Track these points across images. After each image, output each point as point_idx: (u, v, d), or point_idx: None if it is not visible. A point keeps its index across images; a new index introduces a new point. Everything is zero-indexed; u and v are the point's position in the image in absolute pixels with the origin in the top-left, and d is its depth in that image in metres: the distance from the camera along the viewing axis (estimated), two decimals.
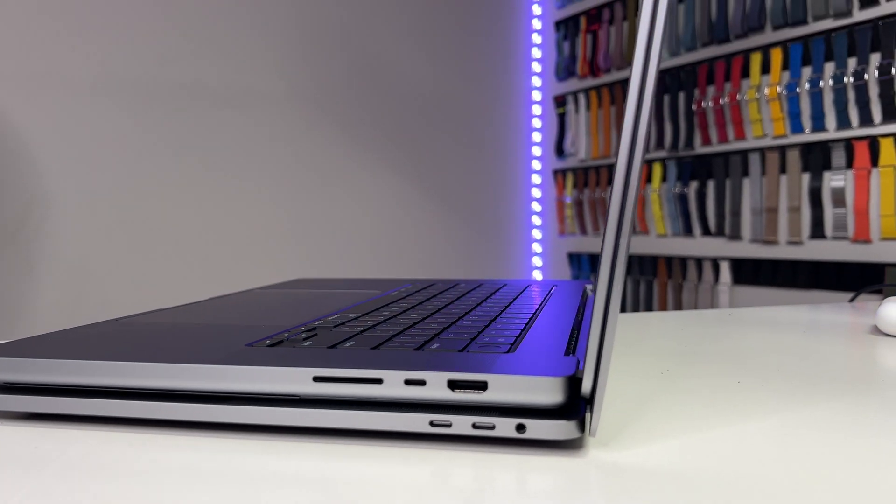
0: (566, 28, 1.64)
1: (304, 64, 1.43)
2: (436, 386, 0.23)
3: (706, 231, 1.34)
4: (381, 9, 1.52)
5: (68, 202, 1.21)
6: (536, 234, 1.75)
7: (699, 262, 1.35)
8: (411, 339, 0.29)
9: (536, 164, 1.74)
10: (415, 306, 0.40)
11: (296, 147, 1.43)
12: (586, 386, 0.23)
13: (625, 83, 1.50)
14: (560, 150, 1.67)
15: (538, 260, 1.76)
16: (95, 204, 1.24)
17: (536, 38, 1.73)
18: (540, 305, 0.42)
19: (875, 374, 0.34)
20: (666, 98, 1.40)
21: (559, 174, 1.68)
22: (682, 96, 1.37)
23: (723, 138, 1.29)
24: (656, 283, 1.44)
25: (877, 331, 0.45)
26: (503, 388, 0.23)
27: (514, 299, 0.44)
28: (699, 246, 1.35)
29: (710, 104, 1.31)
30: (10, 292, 1.18)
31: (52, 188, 1.20)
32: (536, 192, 1.75)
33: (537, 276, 1.77)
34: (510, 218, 1.73)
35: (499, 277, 1.76)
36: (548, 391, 0.23)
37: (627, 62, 1.49)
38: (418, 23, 1.57)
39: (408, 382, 0.23)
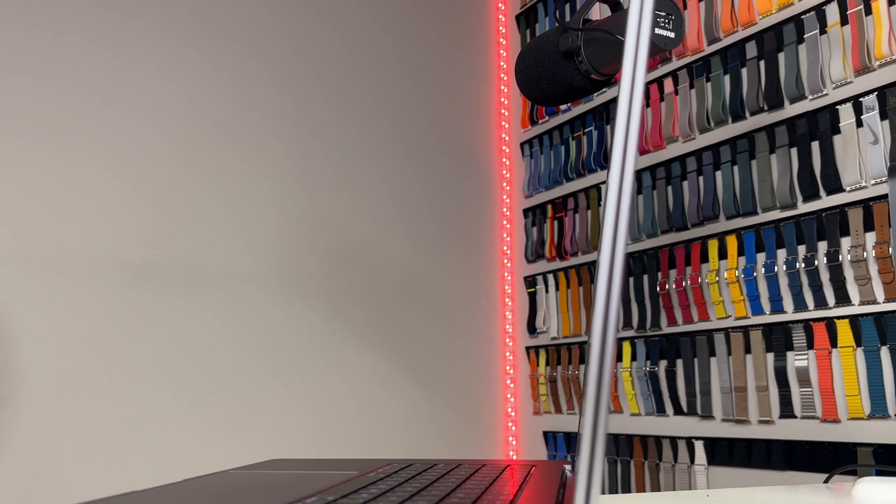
0: (534, 215, 1.74)
1: (285, 247, 1.48)
2: None
3: (678, 410, 1.34)
4: (361, 195, 1.60)
5: (38, 381, 1.19)
6: (511, 412, 1.74)
7: (674, 441, 1.34)
8: None
9: (509, 342, 1.77)
10: (394, 488, 0.40)
11: (275, 327, 1.45)
12: None
13: (591, 266, 1.57)
14: (532, 328, 1.70)
15: (514, 439, 1.73)
16: (66, 382, 1.22)
17: (506, 224, 1.82)
18: (520, 487, 0.42)
19: None
20: (631, 280, 1.46)
21: (532, 351, 1.70)
22: (646, 279, 1.43)
23: (688, 319, 1.34)
24: (633, 463, 1.42)
25: None
26: None
27: (494, 481, 0.44)
28: (672, 425, 1.35)
29: (674, 286, 1.37)
30: None
31: (24, 366, 1.19)
32: (510, 370, 1.76)
33: (513, 455, 1.73)
34: (485, 396, 1.72)
35: (475, 456, 1.71)
36: None
37: (593, 247, 1.57)
38: (396, 210, 1.65)
39: None
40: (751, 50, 1.27)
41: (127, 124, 1.35)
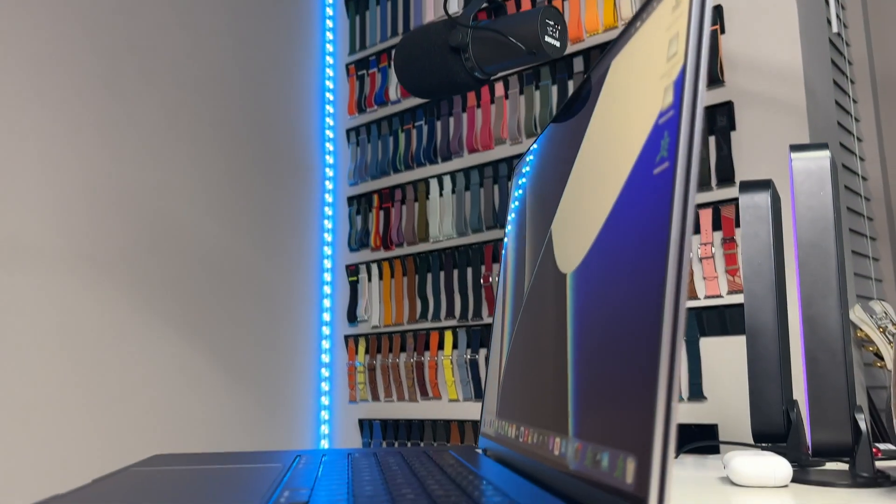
0: (358, 203, 1.74)
1: (85, 222, 1.34)
2: None
3: None
4: (174, 173, 1.49)
5: None
6: (325, 400, 1.72)
7: None
8: None
9: (326, 330, 1.75)
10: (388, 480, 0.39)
11: (69, 310, 1.29)
12: None
13: (416, 257, 1.60)
14: (353, 317, 1.70)
15: (326, 427, 1.72)
16: None
17: (328, 211, 1.80)
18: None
19: None
20: (455, 272, 1.52)
21: (350, 340, 1.70)
22: (470, 271, 1.50)
23: None
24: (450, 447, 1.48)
25: (728, 482, 0.53)
26: None
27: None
28: None
29: (495, 279, 1.44)
30: None
31: None
32: (326, 358, 1.74)
33: (325, 444, 1.71)
34: (299, 385, 1.69)
35: (286, 447, 1.68)
36: None
37: (419, 239, 1.60)
38: (213, 190, 1.56)
39: None
40: (577, 64, 1.38)
41: None
